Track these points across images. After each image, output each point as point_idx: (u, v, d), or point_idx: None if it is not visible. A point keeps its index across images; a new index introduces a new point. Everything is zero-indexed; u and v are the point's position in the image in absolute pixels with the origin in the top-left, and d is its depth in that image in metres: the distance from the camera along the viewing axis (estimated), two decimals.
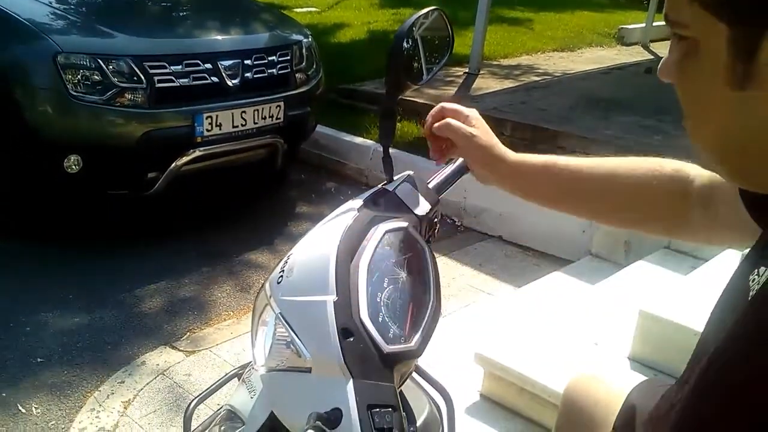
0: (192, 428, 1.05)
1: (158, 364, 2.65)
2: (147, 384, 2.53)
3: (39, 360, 2.64)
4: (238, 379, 1.08)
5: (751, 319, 0.58)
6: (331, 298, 0.78)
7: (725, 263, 2.52)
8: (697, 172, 0.93)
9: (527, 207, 4.10)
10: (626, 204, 0.99)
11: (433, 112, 1.04)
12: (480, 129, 1.02)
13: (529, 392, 2.17)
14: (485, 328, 2.76)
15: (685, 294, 2.37)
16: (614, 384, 1.11)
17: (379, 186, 1.03)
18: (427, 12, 1.09)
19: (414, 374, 1.04)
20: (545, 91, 5.99)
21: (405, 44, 1.03)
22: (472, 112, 1.03)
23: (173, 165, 3.51)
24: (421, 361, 1.01)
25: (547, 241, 3.75)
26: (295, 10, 9.64)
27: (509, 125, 4.74)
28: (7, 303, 2.97)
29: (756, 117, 0.53)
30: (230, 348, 2.76)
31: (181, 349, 2.76)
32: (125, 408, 2.41)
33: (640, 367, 2.23)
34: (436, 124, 1.03)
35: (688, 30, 0.55)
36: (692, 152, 0.65)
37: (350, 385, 0.74)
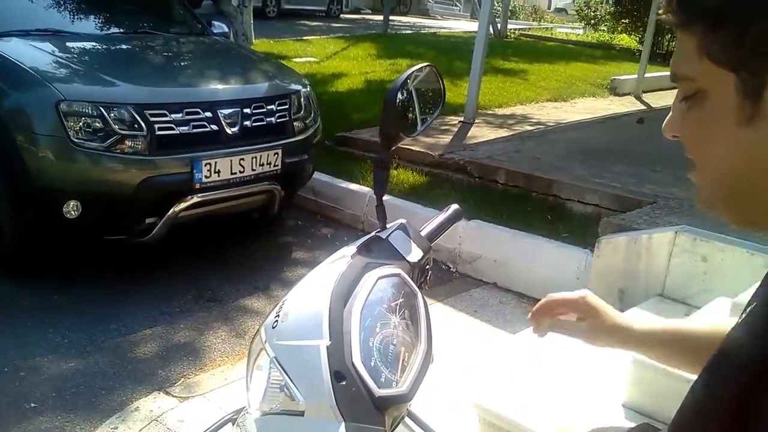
0: None
1: (152, 410, 2.63)
2: (140, 430, 2.51)
3: (32, 405, 2.63)
4: (233, 424, 1.09)
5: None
6: (324, 342, 0.81)
7: (718, 310, 2.54)
8: None
9: (522, 254, 4.11)
10: None
11: (541, 304, 1.09)
12: (595, 309, 1.06)
13: None
14: (480, 375, 2.75)
15: None
16: None
17: (373, 233, 1.06)
18: (421, 67, 1.14)
19: (408, 420, 1.06)
20: (539, 140, 6.08)
21: (400, 95, 1.08)
22: (582, 293, 1.08)
23: (171, 211, 3.55)
24: (416, 408, 1.02)
25: (541, 287, 3.74)
26: (295, 60, 9.83)
27: (503, 173, 4.80)
28: (0, 348, 2.97)
29: (760, 151, 0.57)
30: (224, 394, 2.75)
31: (174, 395, 2.75)
32: None
33: (634, 414, 2.23)
34: (549, 322, 1.08)
35: (696, 83, 0.60)
36: (694, 198, 0.68)
37: (342, 428, 0.76)
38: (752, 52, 0.54)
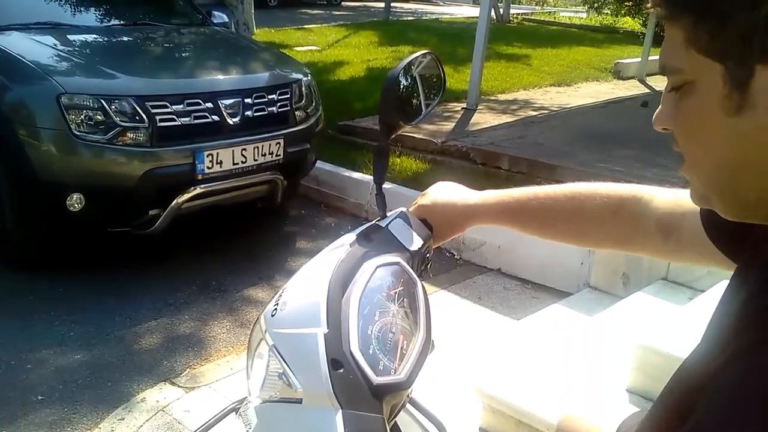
0: None
1: (158, 401, 2.65)
2: (146, 421, 2.53)
3: (39, 397, 2.64)
4: (236, 414, 1.09)
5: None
6: (321, 330, 0.81)
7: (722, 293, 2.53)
8: (658, 203, 0.95)
9: (526, 240, 4.09)
10: (588, 229, 1.03)
11: None
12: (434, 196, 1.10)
13: (527, 425, 2.17)
14: (484, 362, 2.75)
15: (683, 325, 2.37)
16: (604, 418, 1.12)
17: (372, 222, 1.06)
18: (421, 54, 1.13)
19: (410, 407, 1.06)
20: (542, 125, 6.06)
21: (405, 81, 1.07)
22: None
23: (174, 202, 3.55)
24: (420, 395, 1.02)
25: (545, 273, 3.76)
26: (296, 48, 9.80)
27: (507, 159, 4.79)
28: (7, 341, 2.98)
29: (751, 140, 0.57)
30: (229, 384, 2.76)
31: (180, 385, 2.76)
32: None
33: (639, 399, 2.23)
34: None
35: (684, 74, 0.60)
36: (690, 192, 0.68)
37: (339, 415, 0.75)
38: (737, 41, 0.54)
